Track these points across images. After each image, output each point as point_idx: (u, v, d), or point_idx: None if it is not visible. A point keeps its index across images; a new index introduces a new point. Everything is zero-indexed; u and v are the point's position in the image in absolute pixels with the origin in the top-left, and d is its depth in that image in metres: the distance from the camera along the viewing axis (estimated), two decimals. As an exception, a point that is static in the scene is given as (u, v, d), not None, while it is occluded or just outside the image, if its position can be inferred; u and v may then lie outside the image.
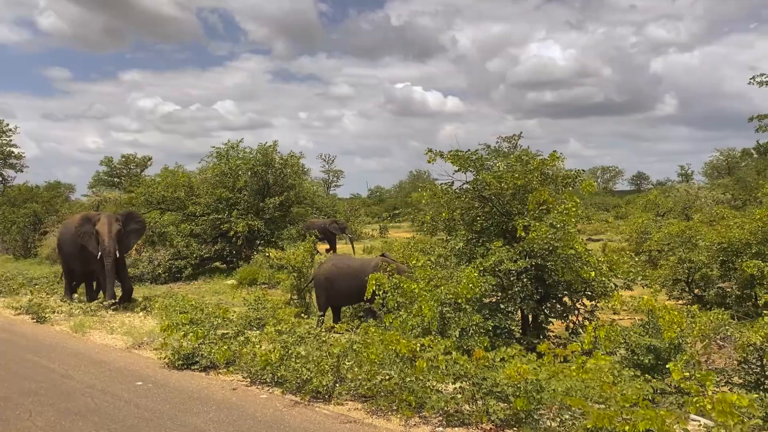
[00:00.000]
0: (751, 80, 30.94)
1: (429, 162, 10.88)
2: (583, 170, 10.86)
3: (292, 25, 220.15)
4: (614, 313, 10.99)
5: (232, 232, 23.08)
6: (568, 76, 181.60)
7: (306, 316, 14.04)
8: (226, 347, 8.07)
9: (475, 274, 8.87)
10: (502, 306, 10.55)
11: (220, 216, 23.75)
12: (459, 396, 6.06)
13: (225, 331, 8.73)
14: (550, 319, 10.50)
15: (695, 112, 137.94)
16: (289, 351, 7.38)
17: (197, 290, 19.59)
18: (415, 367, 6.37)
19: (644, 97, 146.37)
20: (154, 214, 24.47)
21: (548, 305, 10.71)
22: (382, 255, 13.61)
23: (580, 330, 10.23)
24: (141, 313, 13.72)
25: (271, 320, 11.12)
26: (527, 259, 9.60)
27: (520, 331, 10.77)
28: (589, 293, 10.43)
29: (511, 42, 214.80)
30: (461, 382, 6.13)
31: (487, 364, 6.11)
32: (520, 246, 9.86)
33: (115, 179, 66.45)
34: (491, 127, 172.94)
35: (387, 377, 6.52)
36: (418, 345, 6.48)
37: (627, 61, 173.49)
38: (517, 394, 5.66)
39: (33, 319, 12.05)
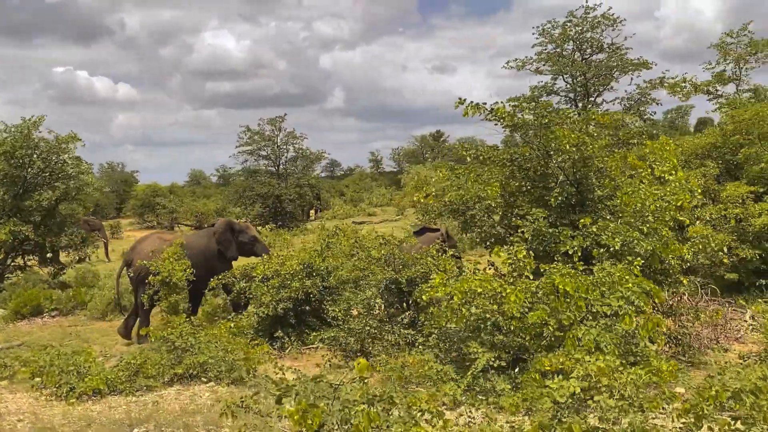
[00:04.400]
0: (505, 65, 32.05)
1: (464, 116, 8.12)
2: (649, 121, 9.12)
3: None
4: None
5: (-15, 245, 16.25)
6: (245, 68, 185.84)
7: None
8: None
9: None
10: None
11: (-40, 223, 16.56)
12: None
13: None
14: None
15: (359, 105, 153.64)
16: None
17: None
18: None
19: (316, 91, 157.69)
20: None
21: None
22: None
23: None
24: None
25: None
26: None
27: None
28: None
29: (184, 29, 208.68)
30: None
31: None
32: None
33: None
34: (170, 116, 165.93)
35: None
36: None
37: (299, 55, 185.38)
38: None
39: None
